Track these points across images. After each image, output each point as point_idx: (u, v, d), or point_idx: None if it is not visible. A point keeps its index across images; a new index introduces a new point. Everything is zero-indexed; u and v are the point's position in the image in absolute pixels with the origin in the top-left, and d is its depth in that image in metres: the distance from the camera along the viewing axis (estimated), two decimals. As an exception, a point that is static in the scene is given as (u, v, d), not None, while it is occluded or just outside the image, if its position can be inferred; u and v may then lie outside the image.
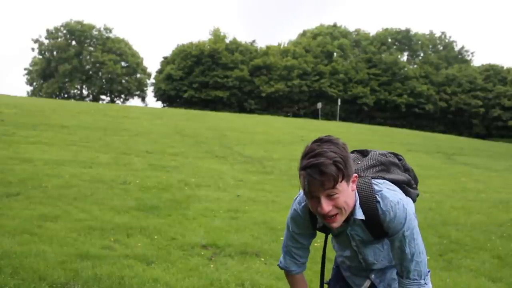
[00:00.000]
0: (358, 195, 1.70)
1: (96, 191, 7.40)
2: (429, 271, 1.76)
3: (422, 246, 1.73)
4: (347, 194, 1.59)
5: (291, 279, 1.99)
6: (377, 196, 1.69)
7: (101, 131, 15.49)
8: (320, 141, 1.58)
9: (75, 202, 6.58)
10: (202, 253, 4.84)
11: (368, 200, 1.69)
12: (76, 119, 17.63)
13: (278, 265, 2.01)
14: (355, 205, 1.68)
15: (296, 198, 1.86)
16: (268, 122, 26.76)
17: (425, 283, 1.74)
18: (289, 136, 20.27)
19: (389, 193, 1.70)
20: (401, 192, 1.76)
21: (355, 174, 1.63)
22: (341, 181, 1.54)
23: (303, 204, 1.81)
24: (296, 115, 50.73)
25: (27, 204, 6.19)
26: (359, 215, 1.69)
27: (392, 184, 1.77)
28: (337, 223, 1.63)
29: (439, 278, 4.47)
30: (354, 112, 52.35)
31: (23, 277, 3.67)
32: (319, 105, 43.68)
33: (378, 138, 23.23)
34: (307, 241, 1.91)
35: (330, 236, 1.96)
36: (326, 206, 1.56)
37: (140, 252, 4.63)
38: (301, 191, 1.82)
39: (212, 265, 4.45)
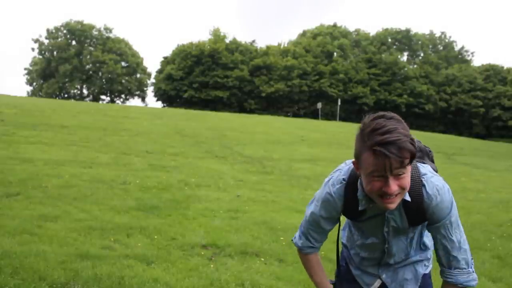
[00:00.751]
0: None
1: (96, 191, 7.40)
2: (472, 259, 1.74)
3: (464, 233, 1.70)
4: (409, 175, 1.55)
5: (303, 258, 1.96)
6: (422, 179, 1.65)
7: (101, 131, 15.49)
8: (383, 117, 1.50)
9: (75, 202, 6.58)
10: (202, 253, 4.84)
11: (415, 183, 1.64)
12: (76, 119, 17.64)
13: (292, 239, 1.98)
14: None
15: (328, 181, 1.79)
16: (268, 122, 26.76)
17: (473, 271, 1.72)
18: (289, 136, 20.27)
19: (433, 177, 1.67)
20: (442, 178, 1.73)
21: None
22: (410, 162, 1.49)
23: (337, 186, 1.74)
24: (296, 115, 50.74)
25: (27, 204, 6.19)
26: (407, 197, 1.63)
27: (432, 170, 1.74)
28: (395, 203, 1.57)
29: (439, 278, 4.46)
30: (354, 112, 52.34)
31: (23, 277, 3.67)
32: (319, 105, 43.69)
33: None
34: (330, 226, 1.86)
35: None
36: (394, 185, 1.51)
37: (140, 252, 4.63)
38: (333, 174, 1.79)
39: (212, 265, 4.45)
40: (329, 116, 49.36)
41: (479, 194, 10.45)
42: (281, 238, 5.57)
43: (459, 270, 1.71)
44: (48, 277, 3.72)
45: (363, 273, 1.95)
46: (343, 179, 1.74)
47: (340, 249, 2.03)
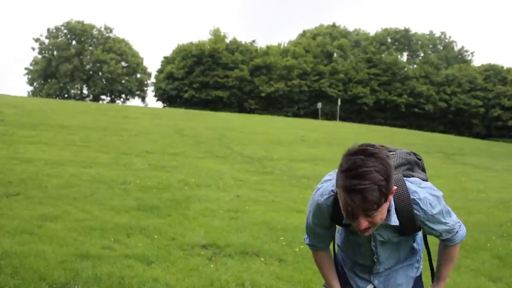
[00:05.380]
0: (394, 199, 1.66)
1: (96, 191, 7.40)
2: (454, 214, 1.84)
3: (449, 208, 1.79)
4: (384, 210, 1.56)
5: (312, 254, 2.00)
6: (414, 197, 1.68)
7: (101, 131, 15.49)
8: (363, 153, 1.48)
9: (75, 202, 6.58)
10: (202, 253, 4.84)
11: (406, 204, 1.67)
12: (76, 119, 17.64)
13: (304, 240, 2.01)
14: (390, 211, 1.64)
15: (318, 189, 1.80)
16: (268, 122, 26.75)
17: (460, 224, 1.85)
18: (289, 136, 20.27)
19: (424, 190, 1.70)
20: (431, 185, 1.78)
21: (395, 187, 1.56)
22: (383, 202, 1.50)
23: (325, 196, 1.75)
24: (296, 115, 50.69)
25: (27, 204, 6.19)
26: (394, 221, 1.65)
27: (422, 180, 1.77)
28: (369, 232, 1.62)
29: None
30: (354, 112, 52.32)
31: (23, 277, 3.66)
32: (319, 105, 43.68)
33: (378, 138, 23.21)
34: (323, 231, 1.87)
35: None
36: (364, 223, 1.54)
37: (140, 252, 4.63)
38: (324, 183, 1.81)
39: (212, 265, 4.45)
40: (329, 116, 49.32)
41: (479, 194, 10.45)
42: (281, 238, 5.56)
43: (455, 236, 1.83)
44: (48, 277, 3.72)
45: (356, 276, 1.98)
46: (332, 191, 1.73)
47: (336, 251, 2.05)
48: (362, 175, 1.44)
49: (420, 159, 1.94)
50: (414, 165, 1.87)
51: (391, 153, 1.87)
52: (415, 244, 1.94)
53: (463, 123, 53.62)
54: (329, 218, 1.79)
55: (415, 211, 1.67)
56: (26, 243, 4.54)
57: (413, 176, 1.79)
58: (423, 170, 1.93)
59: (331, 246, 1.98)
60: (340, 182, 1.50)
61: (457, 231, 1.81)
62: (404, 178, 1.73)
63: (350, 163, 1.47)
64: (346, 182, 1.47)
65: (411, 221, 1.69)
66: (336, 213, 1.74)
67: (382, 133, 27.51)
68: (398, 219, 1.67)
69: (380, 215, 1.55)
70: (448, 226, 1.77)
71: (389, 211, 1.64)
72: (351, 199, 1.47)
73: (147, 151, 12.75)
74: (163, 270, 4.20)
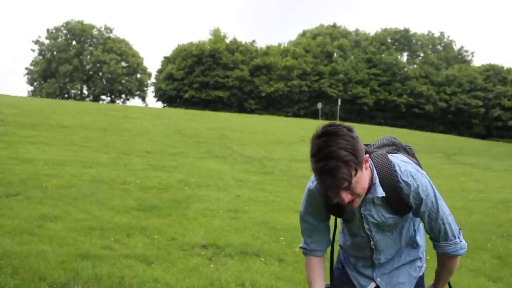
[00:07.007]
0: (377, 172, 1.70)
1: (96, 191, 7.40)
2: (459, 229, 1.80)
3: (447, 208, 1.76)
4: (362, 179, 1.60)
5: (306, 259, 1.96)
6: (395, 170, 1.70)
7: (101, 131, 15.49)
8: (325, 135, 1.54)
9: (75, 202, 6.58)
10: (202, 253, 4.84)
11: (388, 175, 1.70)
12: (76, 119, 17.64)
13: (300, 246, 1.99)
14: (374, 183, 1.69)
15: (311, 178, 1.84)
16: (268, 122, 26.76)
17: (460, 241, 1.79)
18: (289, 136, 20.27)
19: (406, 165, 1.72)
20: (415, 164, 1.78)
21: (366, 156, 1.62)
22: (355, 175, 1.54)
23: (316, 182, 1.78)
24: (296, 115, 50.71)
25: (27, 204, 6.19)
26: (379, 192, 1.69)
27: (408, 159, 1.79)
28: (357, 203, 1.66)
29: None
30: (354, 112, 52.32)
31: (23, 277, 3.66)
32: (319, 105, 43.65)
33: (378, 138, 23.15)
34: (317, 222, 1.88)
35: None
36: (346, 197, 1.59)
37: (140, 252, 4.63)
38: None
39: (212, 265, 4.45)
40: (329, 116, 49.31)
41: (479, 194, 10.45)
42: (281, 238, 5.57)
43: (445, 242, 1.78)
44: (48, 277, 3.71)
45: (358, 274, 1.97)
46: None
47: (336, 252, 2.04)
48: (327, 156, 1.51)
49: (409, 148, 1.97)
50: (401, 148, 1.90)
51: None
52: (418, 237, 1.92)
53: (463, 123, 53.62)
54: (324, 203, 1.80)
55: (399, 183, 1.69)
56: (26, 243, 4.53)
57: (397, 153, 1.82)
58: (414, 157, 1.94)
59: (329, 251, 1.97)
60: (312, 166, 1.58)
61: (451, 240, 1.76)
62: (387, 153, 1.77)
63: (315, 148, 1.55)
64: (315, 166, 1.55)
65: (398, 195, 1.70)
66: (326, 198, 1.76)
67: (382, 133, 27.45)
68: (384, 192, 1.70)
69: (359, 186, 1.59)
70: (433, 212, 1.71)
71: (374, 183, 1.69)
72: (322, 181, 1.55)
73: (147, 151, 12.75)
74: (163, 270, 4.20)
